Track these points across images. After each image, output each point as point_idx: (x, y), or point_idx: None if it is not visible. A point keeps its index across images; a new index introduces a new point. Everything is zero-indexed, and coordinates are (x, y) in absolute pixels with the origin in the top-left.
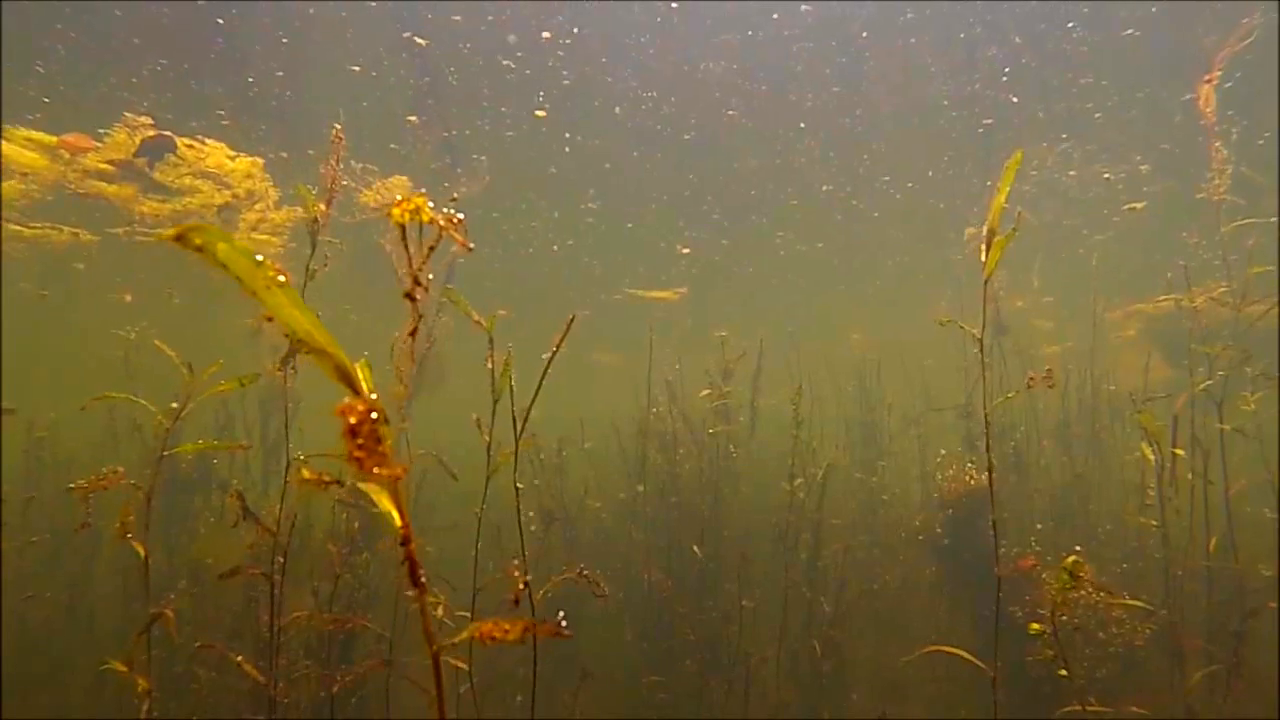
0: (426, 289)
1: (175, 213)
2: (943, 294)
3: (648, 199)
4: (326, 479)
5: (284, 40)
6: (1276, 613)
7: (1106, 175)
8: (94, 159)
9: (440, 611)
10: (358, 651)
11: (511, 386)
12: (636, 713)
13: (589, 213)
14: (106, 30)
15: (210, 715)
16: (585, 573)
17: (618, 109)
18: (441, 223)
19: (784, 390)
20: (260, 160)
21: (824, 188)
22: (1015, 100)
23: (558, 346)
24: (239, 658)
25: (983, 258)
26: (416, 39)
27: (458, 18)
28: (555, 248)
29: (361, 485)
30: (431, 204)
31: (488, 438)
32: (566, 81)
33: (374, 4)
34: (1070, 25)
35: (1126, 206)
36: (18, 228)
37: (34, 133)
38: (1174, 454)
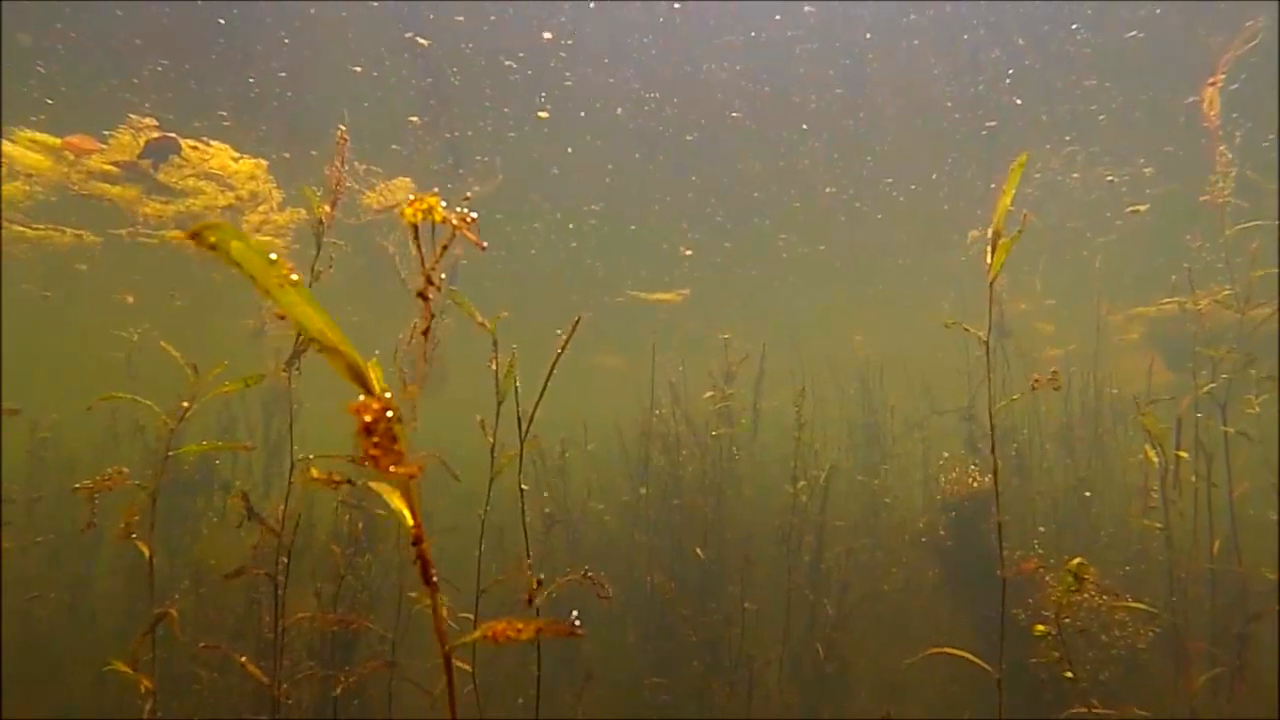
0: (439, 288)
1: (179, 214)
2: (945, 296)
3: (650, 201)
4: (337, 479)
5: (285, 40)
6: (1278, 616)
7: (1110, 178)
8: (98, 160)
9: (444, 613)
10: (359, 653)
11: (516, 388)
12: (639, 714)
13: (591, 214)
14: (107, 30)
15: (212, 715)
16: (590, 574)
17: (620, 110)
18: (454, 222)
19: (786, 392)
20: (264, 162)
21: (827, 190)
22: (1019, 102)
23: (563, 348)
24: (243, 658)
25: (988, 260)
26: (419, 39)
27: (460, 18)
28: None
29: (373, 485)
30: (444, 204)
31: (491, 439)
32: (569, 83)
33: (376, 4)
34: (1074, 27)
35: (1130, 209)
36: (21, 228)
37: (38, 134)
38: (1178, 457)
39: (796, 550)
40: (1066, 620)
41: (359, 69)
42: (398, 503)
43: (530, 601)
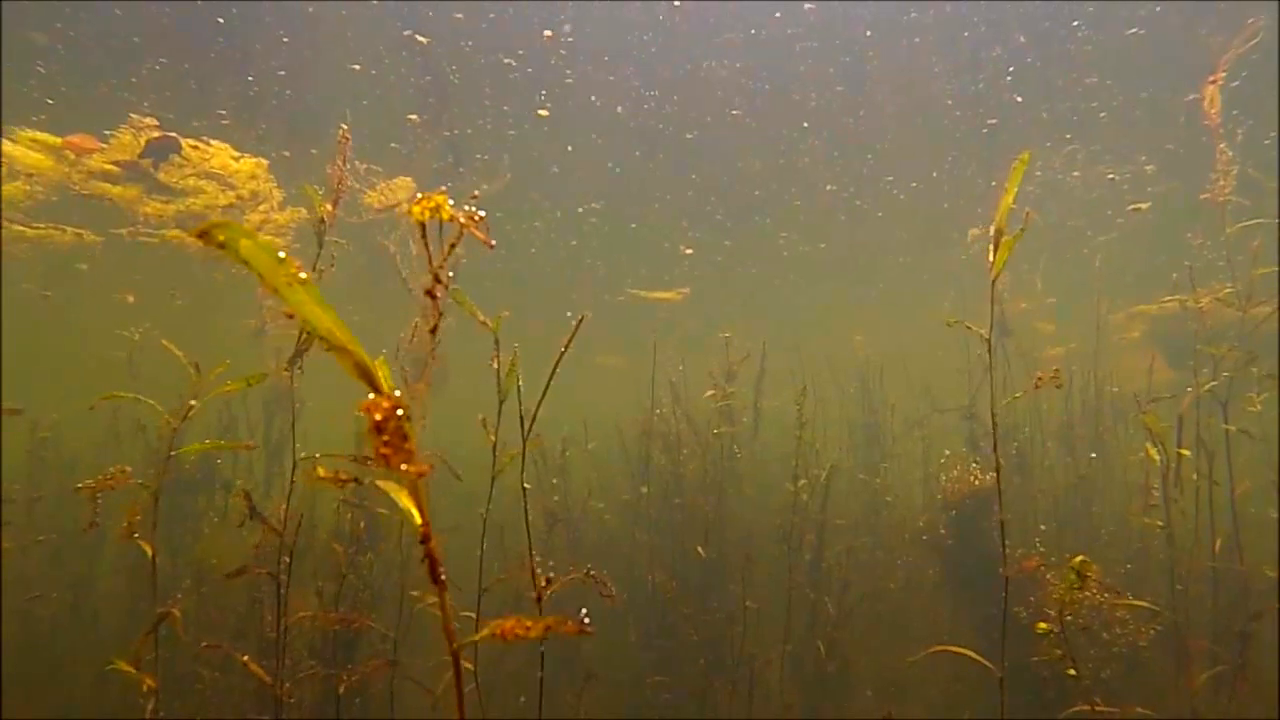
0: (448, 286)
1: (179, 213)
2: (946, 295)
3: (650, 199)
4: (344, 478)
5: (285, 39)
6: (1276, 614)
7: (1111, 176)
8: (99, 160)
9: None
10: (361, 652)
11: (519, 386)
12: (640, 714)
13: (592, 213)
14: (106, 30)
15: (215, 715)
16: (593, 573)
17: (620, 108)
18: (463, 221)
19: (787, 391)
20: (264, 161)
21: (827, 188)
22: (1019, 100)
23: (566, 347)
24: (245, 657)
25: (990, 258)
26: (418, 37)
27: (459, 15)
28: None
29: (381, 484)
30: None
31: (493, 438)
32: (569, 81)
33: (375, 2)
34: (1075, 24)
35: (1131, 207)
36: (21, 228)
37: (39, 134)
38: (1179, 455)
39: (797, 549)
40: (1069, 618)
41: (358, 67)
42: (406, 502)
43: (540, 600)
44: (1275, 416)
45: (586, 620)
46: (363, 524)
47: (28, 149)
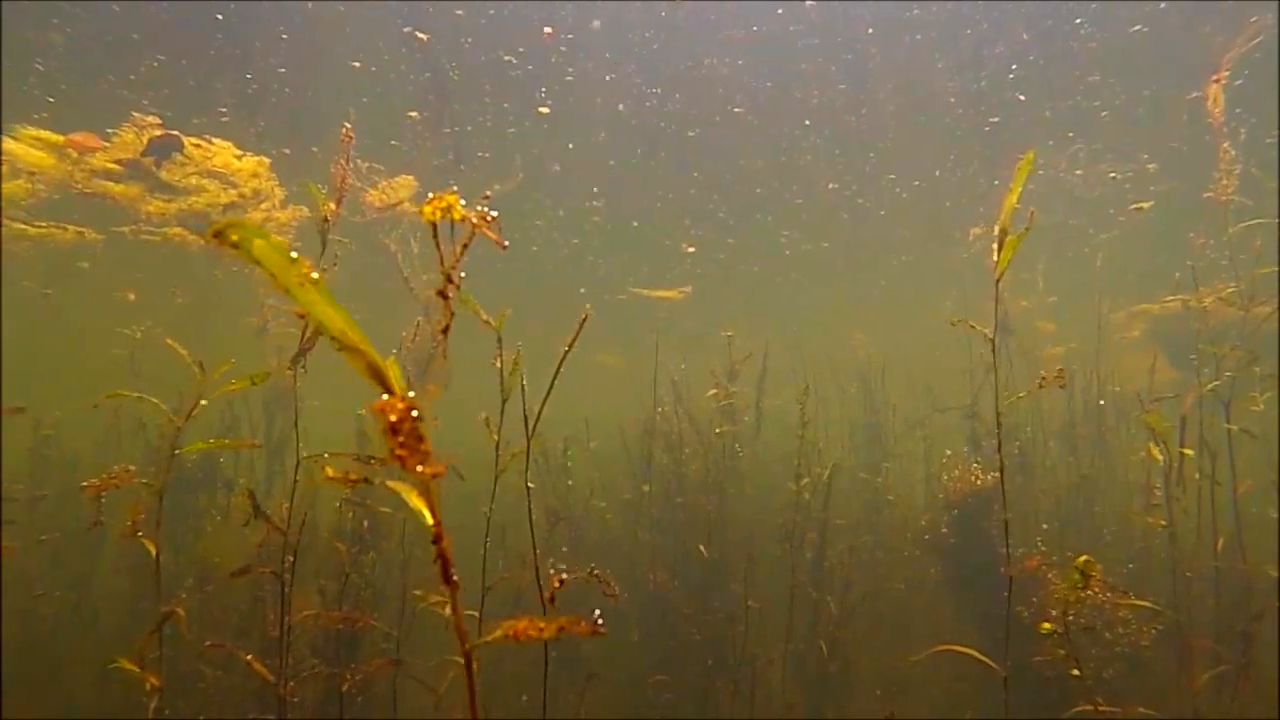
0: (459, 287)
1: (181, 212)
2: (948, 294)
3: (652, 197)
4: (354, 478)
5: (284, 36)
6: (1278, 613)
7: (1113, 174)
8: (101, 158)
9: (449, 611)
10: (364, 651)
11: (523, 386)
12: (642, 713)
13: (593, 211)
14: (105, 27)
15: (217, 714)
16: (596, 573)
17: (621, 106)
18: (475, 220)
19: (789, 390)
20: (266, 159)
21: (829, 186)
22: (1022, 98)
23: (570, 345)
24: (248, 656)
25: (994, 257)
26: (418, 34)
27: (460, 12)
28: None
29: (391, 484)
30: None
31: (496, 437)
32: (569, 78)
33: None
34: (1078, 21)
35: (1133, 206)
36: (23, 226)
37: (42, 132)
38: (1182, 454)
39: (799, 548)
40: (1071, 618)
41: (358, 64)
42: (418, 503)
43: (552, 600)
44: (1276, 416)
45: (599, 621)
46: (365, 523)
47: (30, 147)
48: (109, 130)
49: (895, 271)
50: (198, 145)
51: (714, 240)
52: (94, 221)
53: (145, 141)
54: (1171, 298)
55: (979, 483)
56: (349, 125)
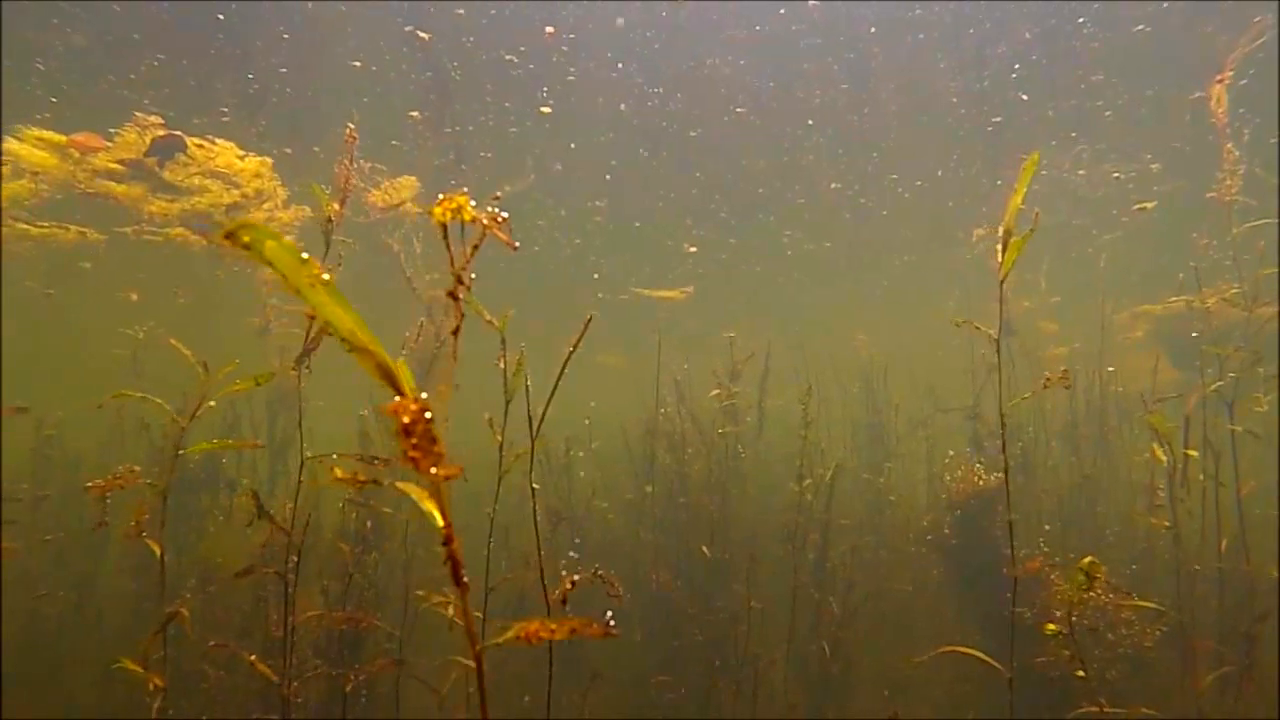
0: (469, 288)
1: (184, 212)
2: (950, 294)
3: (654, 197)
4: (362, 479)
5: (285, 36)
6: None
7: (1116, 175)
8: (104, 158)
9: (451, 611)
10: (367, 651)
11: (527, 386)
12: (644, 713)
13: (595, 211)
14: (105, 27)
15: (221, 714)
16: (600, 574)
17: (623, 105)
18: (485, 222)
19: (792, 391)
20: (269, 160)
21: (831, 186)
22: (1025, 98)
23: (575, 346)
24: (251, 657)
25: (999, 258)
26: (419, 33)
27: (461, 11)
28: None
29: (400, 485)
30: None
31: (499, 437)
32: (571, 78)
33: None
34: (1081, 21)
35: (1136, 206)
36: (25, 226)
37: (45, 132)
38: (1186, 455)
39: (802, 549)
40: (1074, 618)
41: (359, 64)
42: (428, 504)
43: (564, 601)
44: (1278, 417)
45: (612, 622)
46: (368, 523)
47: (33, 147)
48: (111, 130)
49: (898, 272)
50: (200, 145)
51: (716, 240)
52: (96, 222)
53: (148, 141)
54: (1175, 298)
55: (981, 483)
56: (352, 126)
